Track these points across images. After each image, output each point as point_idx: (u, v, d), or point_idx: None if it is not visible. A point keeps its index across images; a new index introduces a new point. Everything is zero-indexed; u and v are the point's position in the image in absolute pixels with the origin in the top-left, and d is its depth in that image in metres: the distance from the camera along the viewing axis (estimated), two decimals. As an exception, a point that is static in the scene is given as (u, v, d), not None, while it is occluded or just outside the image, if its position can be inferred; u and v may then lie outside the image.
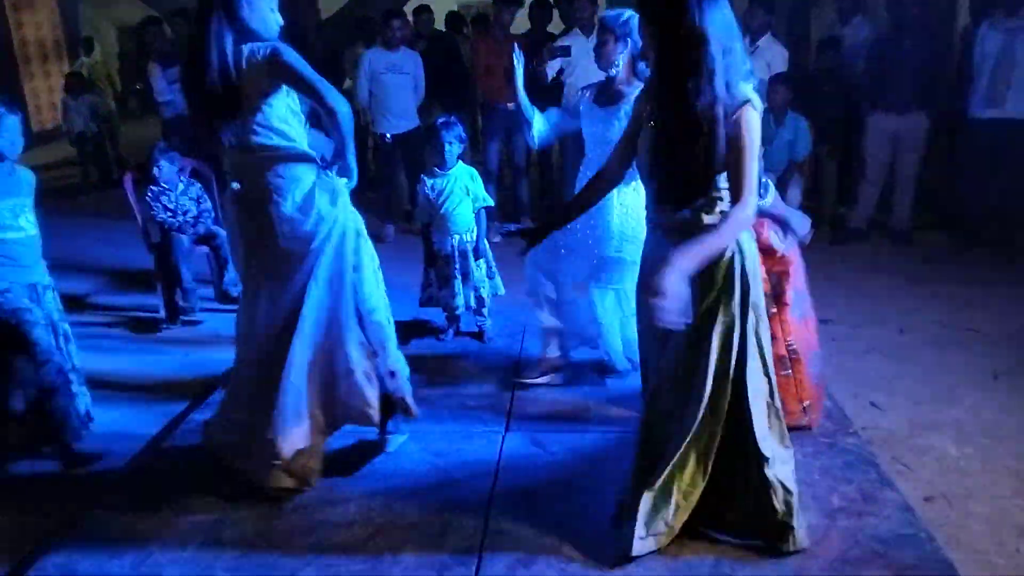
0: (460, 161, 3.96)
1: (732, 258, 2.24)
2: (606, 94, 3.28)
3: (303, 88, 2.63)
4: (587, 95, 3.37)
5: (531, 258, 3.21)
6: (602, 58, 3.22)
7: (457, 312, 4.06)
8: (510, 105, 6.08)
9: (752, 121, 2.11)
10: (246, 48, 2.59)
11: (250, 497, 2.76)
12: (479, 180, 3.99)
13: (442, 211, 3.91)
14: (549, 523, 2.58)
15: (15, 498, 2.99)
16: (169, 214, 4.60)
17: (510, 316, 4.40)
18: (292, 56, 2.59)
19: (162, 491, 2.84)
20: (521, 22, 6.40)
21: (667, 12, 2.11)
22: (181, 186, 4.66)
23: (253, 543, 2.55)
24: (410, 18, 7.05)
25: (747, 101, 2.10)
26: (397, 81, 6.03)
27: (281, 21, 2.70)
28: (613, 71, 3.21)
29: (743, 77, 2.12)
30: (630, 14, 3.15)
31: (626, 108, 3.10)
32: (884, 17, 6.55)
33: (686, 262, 2.07)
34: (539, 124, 3.41)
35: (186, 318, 4.66)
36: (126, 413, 3.54)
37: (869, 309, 4.58)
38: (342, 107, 2.62)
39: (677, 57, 2.12)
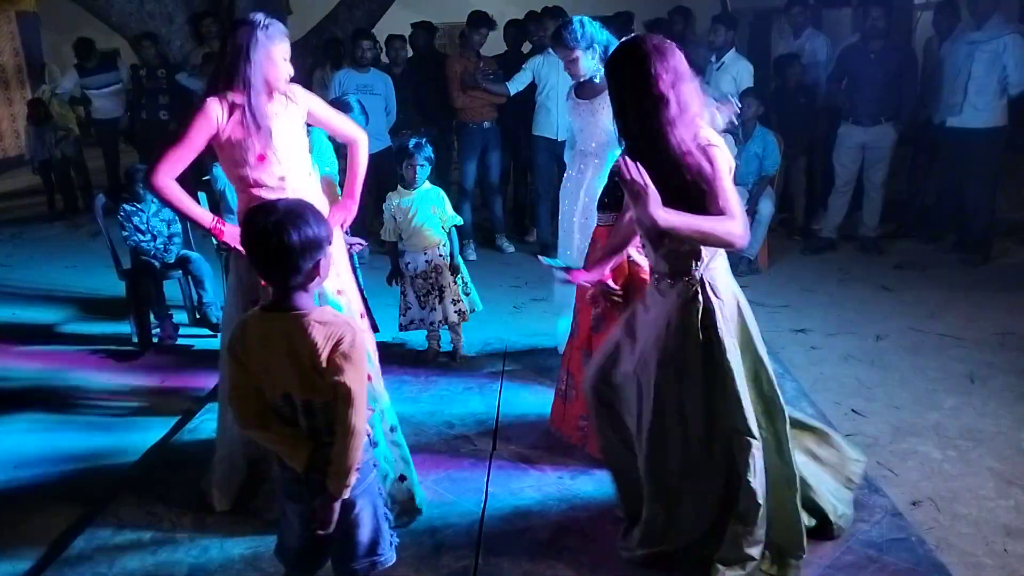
0: (427, 181, 3.96)
1: (698, 295, 2.25)
2: (587, 87, 3.45)
3: None
4: (571, 92, 3.53)
5: None
6: (575, 72, 3.39)
7: (435, 329, 4.04)
8: (485, 124, 6.13)
9: (719, 156, 2.10)
10: None
11: (238, 525, 2.71)
12: (445, 200, 3.98)
13: (412, 227, 3.90)
14: (542, 539, 2.57)
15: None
16: (140, 235, 4.54)
17: (491, 333, 4.40)
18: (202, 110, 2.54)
19: (143, 524, 2.76)
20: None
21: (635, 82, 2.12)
22: (154, 207, 4.60)
23: (243, 571, 2.50)
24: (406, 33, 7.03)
25: (709, 144, 2.11)
26: (368, 102, 5.99)
27: (292, 72, 2.65)
28: (589, 75, 3.40)
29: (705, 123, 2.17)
30: (580, 22, 3.29)
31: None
32: (834, 29, 6.70)
33: (670, 216, 1.99)
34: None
35: (161, 344, 4.58)
36: (102, 442, 3.46)
37: (844, 317, 4.65)
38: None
39: (643, 116, 2.12)
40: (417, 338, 4.21)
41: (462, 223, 4.19)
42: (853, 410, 3.51)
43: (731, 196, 2.08)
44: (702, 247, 2.21)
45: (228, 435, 2.81)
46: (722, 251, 2.27)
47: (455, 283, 3.99)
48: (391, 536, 2.02)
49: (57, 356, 4.49)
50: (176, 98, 7.04)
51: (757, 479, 2.22)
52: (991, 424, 3.35)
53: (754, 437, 2.22)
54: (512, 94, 5.86)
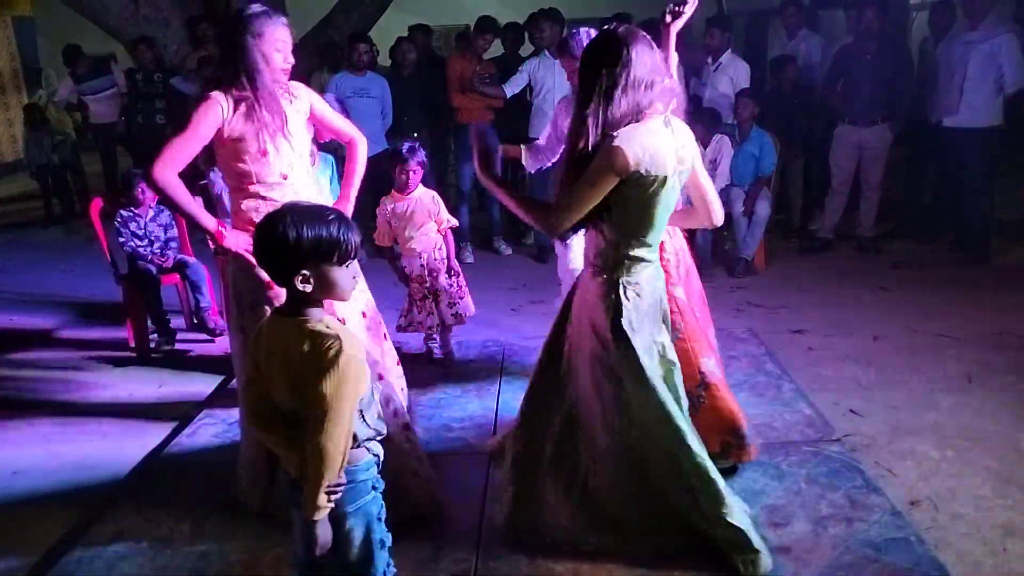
0: (421, 184, 3.96)
1: (614, 294, 2.31)
2: None
3: None
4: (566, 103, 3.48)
5: None
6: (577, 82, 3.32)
7: (432, 331, 4.04)
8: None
9: (607, 157, 2.14)
10: None
11: (235, 529, 2.72)
12: (440, 203, 3.98)
13: (407, 233, 3.91)
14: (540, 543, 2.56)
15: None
16: (137, 240, 4.54)
17: (489, 335, 4.39)
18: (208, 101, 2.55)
19: (142, 530, 2.77)
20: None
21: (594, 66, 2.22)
22: (151, 212, 4.60)
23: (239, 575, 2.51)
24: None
25: (612, 146, 2.14)
26: (364, 105, 6.01)
27: (292, 61, 2.66)
28: None
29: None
30: (587, 33, 3.32)
31: None
32: (829, 30, 6.70)
33: (491, 182, 2.42)
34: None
35: (159, 350, 4.57)
36: (100, 448, 3.46)
37: (841, 318, 4.64)
38: None
39: (582, 102, 2.25)
40: (415, 342, 4.21)
41: (458, 226, 4.19)
42: (851, 410, 3.51)
43: (573, 192, 2.22)
44: (623, 252, 2.29)
45: (252, 435, 2.79)
46: (653, 255, 2.35)
47: (451, 286, 3.99)
48: (387, 564, 1.91)
49: (54, 362, 4.49)
50: (173, 102, 7.05)
51: (699, 453, 2.37)
52: (989, 423, 3.35)
53: (679, 423, 2.35)
54: (509, 96, 5.87)
